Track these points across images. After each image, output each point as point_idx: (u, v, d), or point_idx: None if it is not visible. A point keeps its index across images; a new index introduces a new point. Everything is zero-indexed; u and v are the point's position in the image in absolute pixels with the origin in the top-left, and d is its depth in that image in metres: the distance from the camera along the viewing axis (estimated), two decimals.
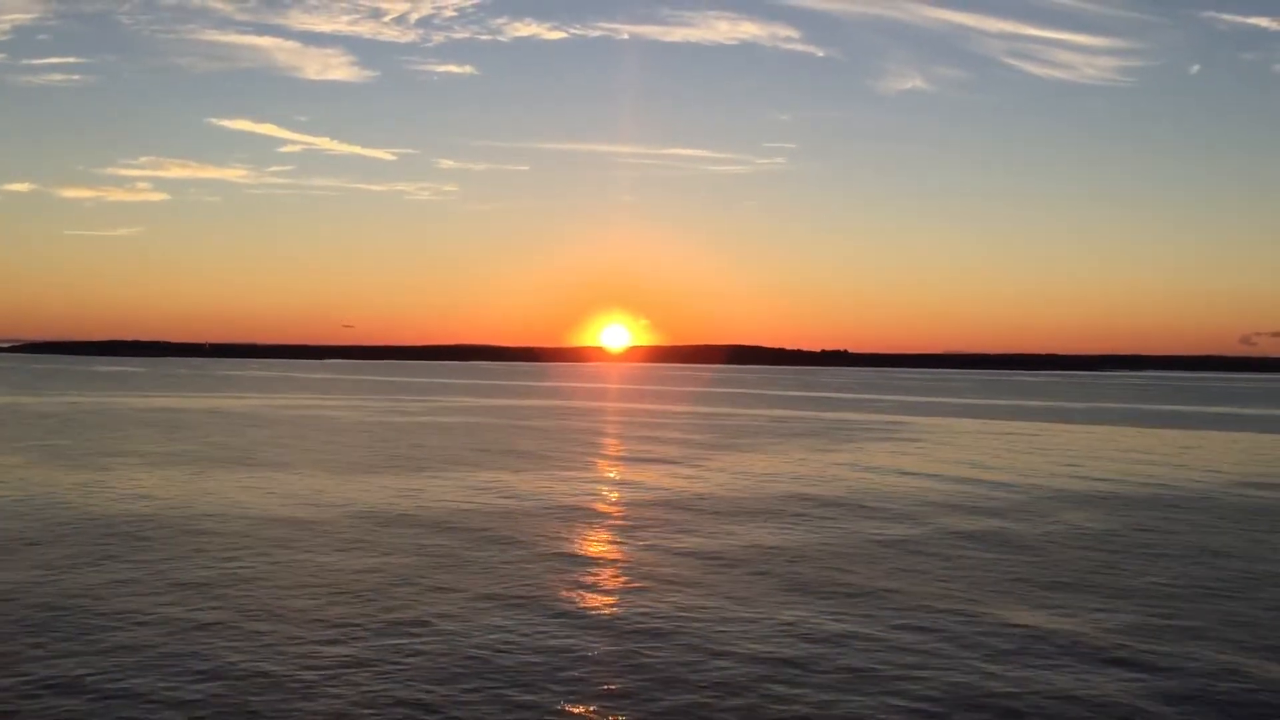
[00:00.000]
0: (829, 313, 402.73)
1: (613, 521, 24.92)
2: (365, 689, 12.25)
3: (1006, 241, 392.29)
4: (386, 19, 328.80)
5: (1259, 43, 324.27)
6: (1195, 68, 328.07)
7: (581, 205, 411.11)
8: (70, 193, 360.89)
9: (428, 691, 12.23)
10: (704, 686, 12.52)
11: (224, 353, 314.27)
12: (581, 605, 16.53)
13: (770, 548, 21.55)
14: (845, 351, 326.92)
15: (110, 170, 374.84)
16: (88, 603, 16.08)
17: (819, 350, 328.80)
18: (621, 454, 42.33)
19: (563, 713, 11.65)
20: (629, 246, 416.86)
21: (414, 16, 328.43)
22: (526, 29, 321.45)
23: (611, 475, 34.62)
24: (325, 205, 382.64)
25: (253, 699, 11.87)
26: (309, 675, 12.71)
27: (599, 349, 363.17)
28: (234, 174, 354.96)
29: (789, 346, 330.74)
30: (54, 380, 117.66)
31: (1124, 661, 13.77)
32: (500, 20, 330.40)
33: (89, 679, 12.45)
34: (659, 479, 33.49)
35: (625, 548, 21.42)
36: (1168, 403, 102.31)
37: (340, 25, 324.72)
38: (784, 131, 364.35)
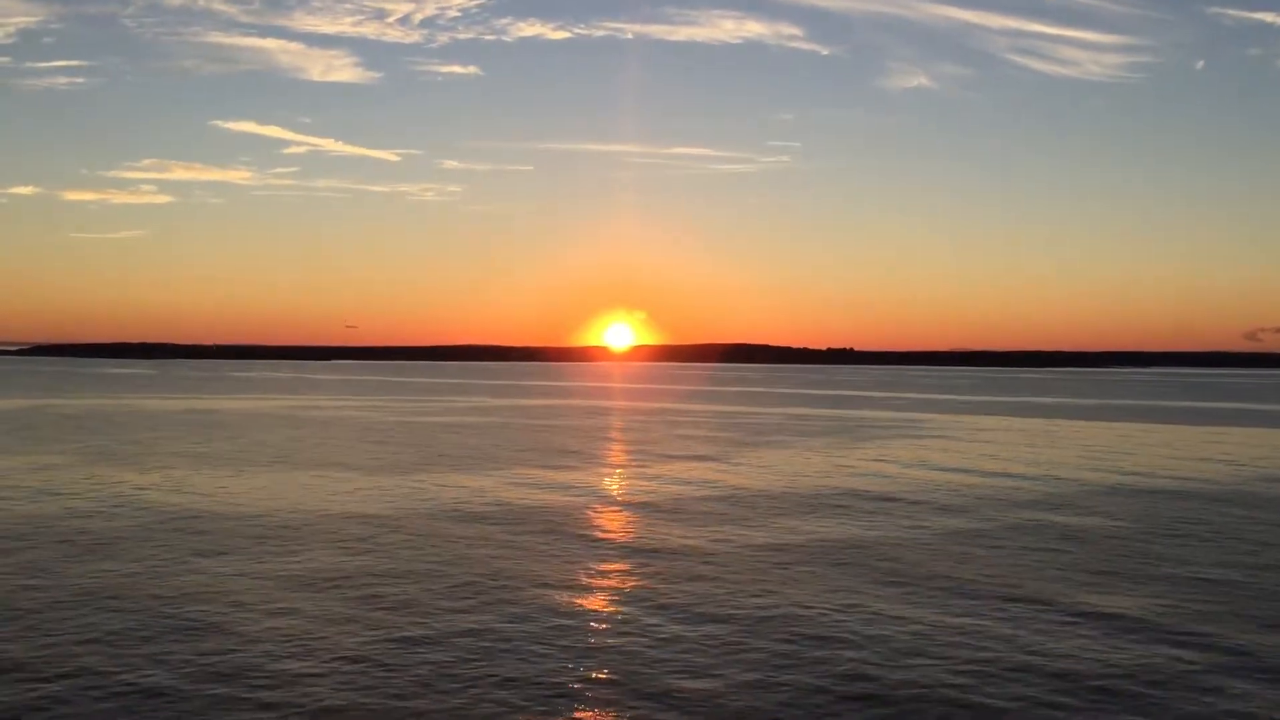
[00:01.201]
0: (834, 311, 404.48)
1: (679, 516, 25.69)
2: (504, 674, 13.12)
3: (1011, 239, 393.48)
4: (390, 20, 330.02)
5: (1264, 38, 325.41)
6: (1200, 64, 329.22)
7: (585, 205, 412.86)
8: (75, 195, 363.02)
9: (560, 676, 13.08)
10: (829, 675, 13.37)
11: (230, 354, 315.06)
12: (681, 598, 17.34)
13: (835, 540, 22.40)
14: (850, 350, 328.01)
15: (114, 173, 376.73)
16: (209, 595, 16.94)
17: (824, 349, 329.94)
18: (661, 452, 43.09)
19: (695, 700, 12.51)
20: (633, 246, 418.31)
21: (418, 17, 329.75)
22: (530, 29, 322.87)
23: (659, 472, 35.40)
24: (329, 206, 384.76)
25: (404, 692, 12.73)
26: (444, 655, 13.58)
27: (603, 348, 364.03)
28: (238, 176, 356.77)
29: (794, 345, 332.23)
30: (69, 382, 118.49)
31: (1201, 644, 14.63)
32: (504, 20, 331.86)
33: (236, 668, 13.32)
34: (706, 475, 34.29)
35: (701, 541, 22.22)
36: (1178, 399, 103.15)
37: (344, 26, 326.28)
38: (788, 130, 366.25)
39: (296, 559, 19.83)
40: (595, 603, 16.72)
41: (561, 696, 12.23)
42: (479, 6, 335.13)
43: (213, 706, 11.74)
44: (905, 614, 16.00)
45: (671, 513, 26.28)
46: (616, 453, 42.69)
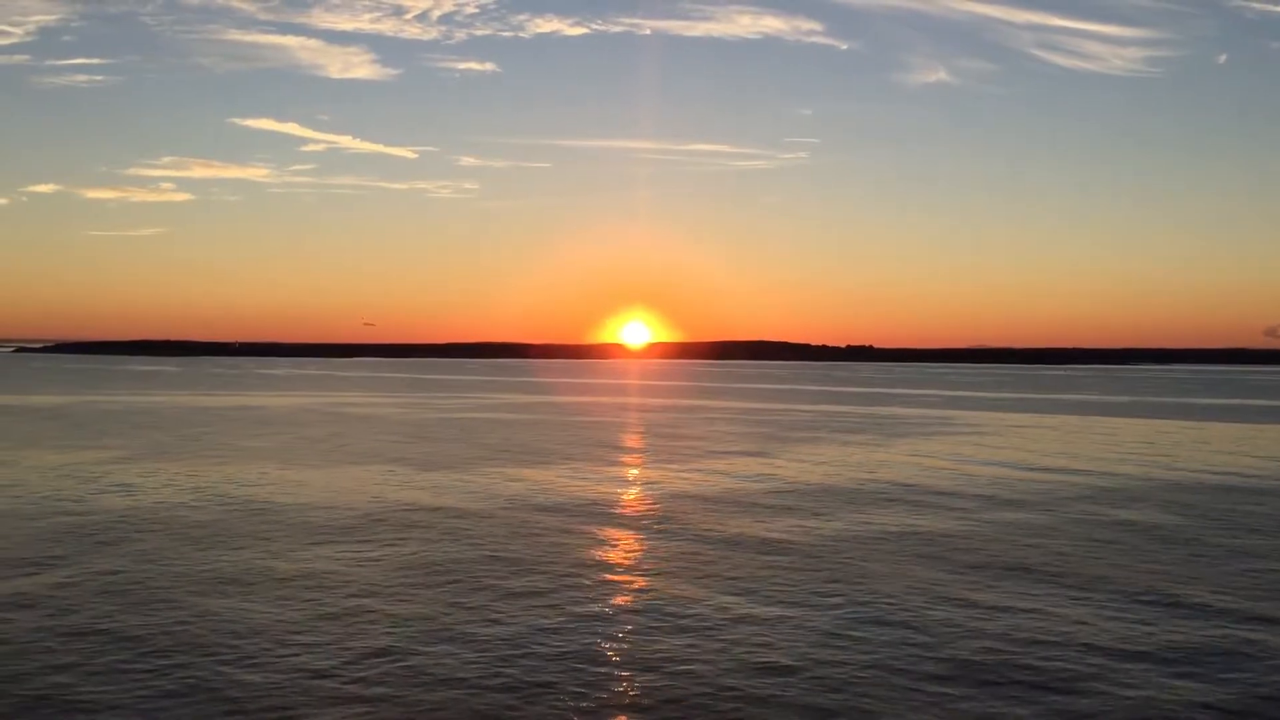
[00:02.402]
0: (853, 308, 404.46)
1: (750, 509, 26.37)
2: (632, 657, 13.94)
3: (1031, 235, 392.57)
4: (408, 16, 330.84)
5: None
6: (1223, 57, 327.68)
7: (602, 202, 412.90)
8: (94, 193, 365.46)
9: (683, 663, 13.89)
10: (944, 661, 14.15)
11: (251, 351, 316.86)
12: (779, 588, 18.12)
13: (909, 532, 23.15)
14: (870, 347, 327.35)
15: (133, 171, 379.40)
16: (333, 583, 17.83)
17: (844, 346, 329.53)
18: (709, 447, 43.75)
19: (817, 684, 13.30)
20: (650, 243, 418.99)
21: (436, 14, 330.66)
22: (548, 25, 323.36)
23: (714, 466, 36.04)
24: (347, 204, 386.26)
25: (549, 673, 13.58)
26: (578, 640, 14.42)
27: (619, 346, 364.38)
28: (257, 173, 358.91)
29: (814, 342, 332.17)
30: (102, 379, 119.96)
31: None
32: (522, 16, 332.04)
33: (385, 651, 14.19)
34: (759, 469, 34.96)
35: (777, 533, 22.96)
36: (1205, 396, 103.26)
37: (362, 23, 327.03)
38: (806, 126, 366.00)
39: (398, 549, 20.69)
40: (698, 593, 17.49)
41: (689, 679, 13.03)
42: (496, 2, 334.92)
43: (376, 689, 12.59)
44: (1001, 603, 16.76)
45: (741, 505, 27.02)
46: (666, 447, 43.43)
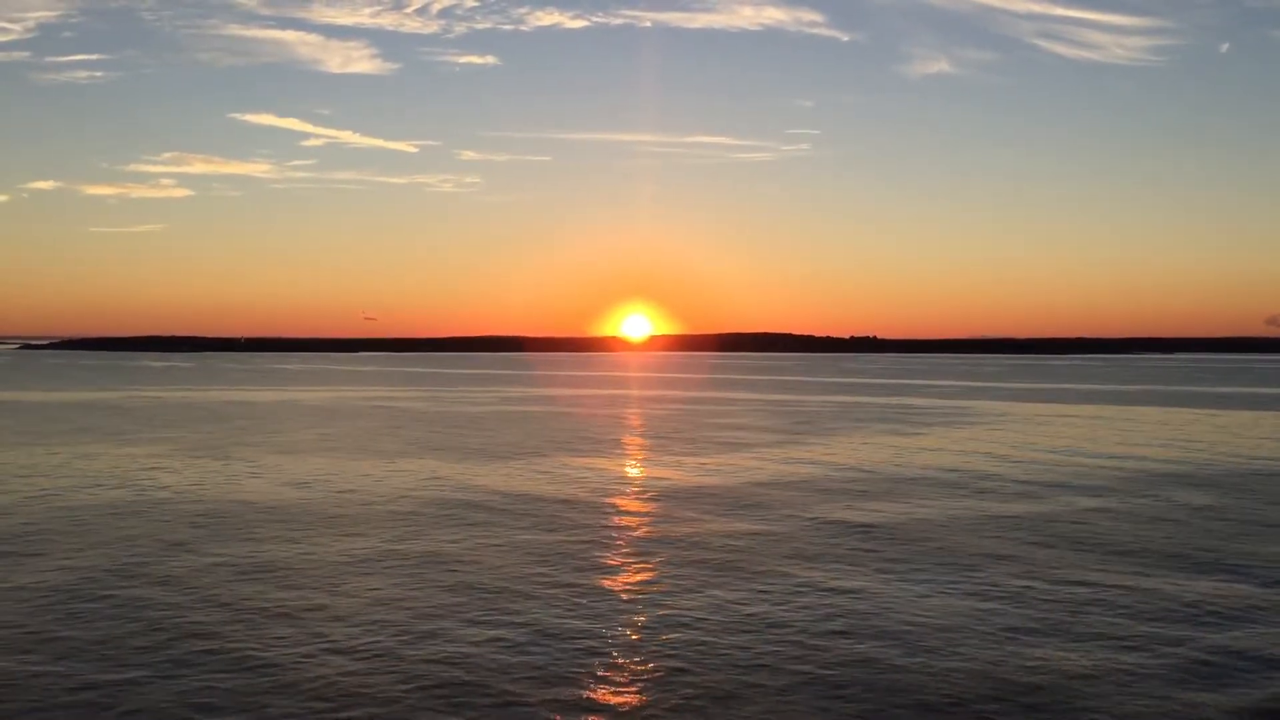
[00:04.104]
0: (856, 299, 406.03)
1: (830, 493, 27.53)
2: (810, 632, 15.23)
3: (1032, 225, 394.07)
4: (408, 10, 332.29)
5: None
6: (1225, 46, 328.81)
7: (604, 195, 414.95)
8: (95, 190, 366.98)
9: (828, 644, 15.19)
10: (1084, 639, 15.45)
11: (257, 347, 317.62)
12: (915, 569, 19.39)
13: (986, 516, 24.43)
14: (874, 338, 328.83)
15: (134, 167, 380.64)
16: (477, 568, 19.08)
17: (848, 337, 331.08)
18: (758, 438, 44.81)
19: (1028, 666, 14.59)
20: (652, 235, 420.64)
21: (436, 7, 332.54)
22: (549, 18, 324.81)
23: (774, 455, 37.09)
24: (348, 198, 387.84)
25: (712, 648, 14.87)
26: (715, 611, 15.70)
27: (620, 338, 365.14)
28: (257, 169, 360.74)
29: (818, 334, 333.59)
30: (124, 376, 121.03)
31: None
32: (522, 9, 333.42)
33: (545, 631, 15.48)
34: (818, 456, 36.05)
35: (873, 517, 24.15)
36: (1217, 385, 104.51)
37: (362, 18, 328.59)
38: (808, 118, 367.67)
39: (511, 533, 21.87)
40: (816, 574, 18.70)
41: (835, 652, 14.29)
42: None
43: (551, 662, 13.85)
44: (1114, 581, 18.05)
45: (814, 490, 28.07)
46: (712, 438, 44.41)
